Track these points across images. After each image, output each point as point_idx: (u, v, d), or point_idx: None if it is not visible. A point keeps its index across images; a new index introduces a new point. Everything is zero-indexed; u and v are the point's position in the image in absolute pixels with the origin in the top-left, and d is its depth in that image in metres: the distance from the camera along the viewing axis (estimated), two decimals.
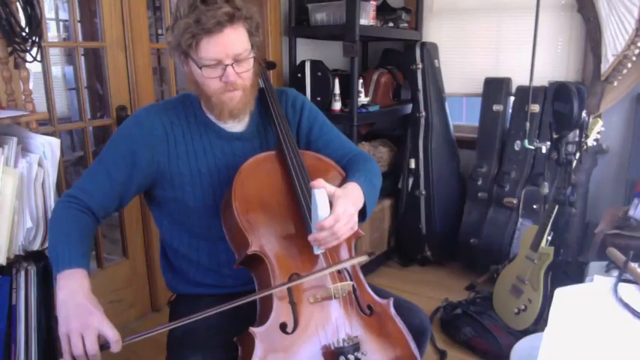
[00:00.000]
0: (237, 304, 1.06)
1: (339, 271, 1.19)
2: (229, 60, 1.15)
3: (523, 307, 2.23)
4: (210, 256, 1.31)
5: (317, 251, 1.16)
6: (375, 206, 1.31)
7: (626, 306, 1.05)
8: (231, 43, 1.14)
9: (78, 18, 2.31)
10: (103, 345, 0.99)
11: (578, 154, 2.14)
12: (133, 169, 1.21)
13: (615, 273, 1.22)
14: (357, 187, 1.21)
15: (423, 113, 2.96)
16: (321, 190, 1.10)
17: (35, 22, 1.54)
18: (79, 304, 1.00)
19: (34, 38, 1.55)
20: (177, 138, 1.25)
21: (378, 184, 1.33)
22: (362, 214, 1.24)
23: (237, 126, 1.31)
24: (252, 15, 1.18)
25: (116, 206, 1.23)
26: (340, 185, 1.21)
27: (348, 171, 1.30)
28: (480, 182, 2.92)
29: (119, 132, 1.25)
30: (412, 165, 2.99)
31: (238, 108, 1.23)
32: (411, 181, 3.02)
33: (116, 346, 0.99)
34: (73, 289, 1.02)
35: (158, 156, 1.23)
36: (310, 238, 1.11)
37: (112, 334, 0.99)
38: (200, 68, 1.15)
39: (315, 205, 1.10)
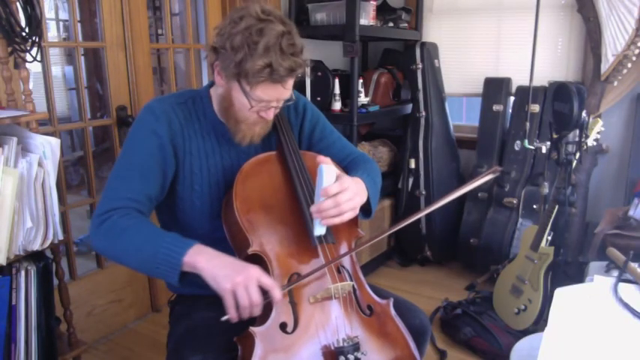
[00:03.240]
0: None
1: (339, 271, 1.19)
2: (277, 103, 1.18)
3: (523, 307, 2.23)
4: None
5: (317, 231, 1.14)
6: (377, 204, 1.31)
7: (626, 306, 1.05)
8: (287, 91, 1.17)
9: (78, 18, 2.31)
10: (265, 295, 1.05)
11: (578, 154, 2.14)
12: (165, 164, 1.20)
13: (615, 273, 1.22)
14: (359, 181, 1.21)
15: (423, 113, 2.96)
16: (329, 166, 1.12)
17: (35, 22, 1.54)
18: (232, 262, 1.06)
19: (34, 38, 1.55)
20: (190, 134, 1.25)
21: (379, 183, 1.34)
22: (366, 211, 1.25)
23: None
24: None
25: (157, 204, 1.23)
26: None
27: (349, 171, 1.30)
28: None
29: (140, 130, 1.21)
30: (412, 165, 2.99)
31: (260, 134, 1.25)
32: (411, 181, 3.02)
33: (277, 292, 1.05)
34: (215, 255, 1.07)
35: (176, 149, 1.22)
36: (313, 208, 1.11)
37: (271, 282, 1.05)
38: (250, 103, 1.15)
39: (321, 179, 1.10)
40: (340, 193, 1.09)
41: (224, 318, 1.04)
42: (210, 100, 1.28)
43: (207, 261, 1.05)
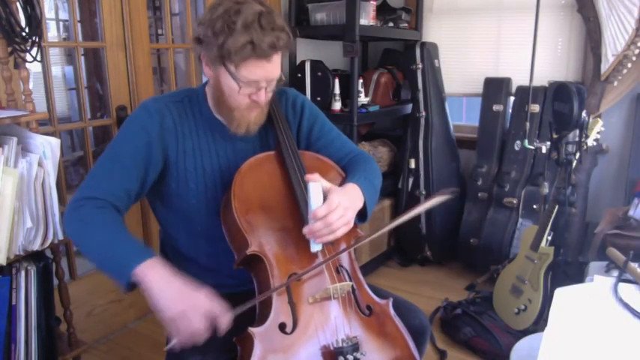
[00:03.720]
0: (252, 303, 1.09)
1: (337, 272, 1.19)
2: (266, 83, 1.16)
3: (523, 307, 2.23)
4: (210, 255, 1.31)
5: (314, 248, 1.15)
6: (375, 206, 1.31)
7: (626, 306, 1.05)
8: (274, 69, 1.15)
9: (78, 18, 2.32)
10: (211, 322, 1.02)
11: (578, 154, 2.14)
12: (149, 162, 1.19)
13: (615, 273, 1.22)
14: (355, 187, 1.21)
15: (423, 113, 2.96)
16: (316, 184, 1.11)
17: (35, 22, 1.54)
18: (180, 287, 1.03)
19: (34, 38, 1.55)
20: (184, 132, 1.25)
21: (378, 184, 1.33)
22: (363, 215, 1.24)
23: None
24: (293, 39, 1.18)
25: (134, 202, 1.22)
26: (340, 186, 1.21)
27: (347, 172, 1.30)
28: (479, 182, 2.92)
29: (131, 125, 1.21)
30: (412, 165, 2.99)
31: (256, 122, 1.24)
32: (411, 181, 3.02)
33: (223, 322, 1.02)
34: (164, 276, 1.03)
35: (167, 148, 1.22)
36: (305, 230, 1.11)
37: (217, 312, 1.02)
38: (238, 84, 1.14)
39: (310, 198, 1.10)
40: (329, 213, 1.09)
41: (168, 347, 1.02)
42: (205, 98, 1.28)
43: (156, 280, 1.02)
